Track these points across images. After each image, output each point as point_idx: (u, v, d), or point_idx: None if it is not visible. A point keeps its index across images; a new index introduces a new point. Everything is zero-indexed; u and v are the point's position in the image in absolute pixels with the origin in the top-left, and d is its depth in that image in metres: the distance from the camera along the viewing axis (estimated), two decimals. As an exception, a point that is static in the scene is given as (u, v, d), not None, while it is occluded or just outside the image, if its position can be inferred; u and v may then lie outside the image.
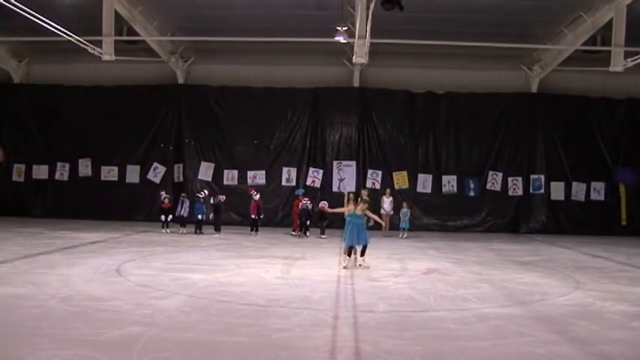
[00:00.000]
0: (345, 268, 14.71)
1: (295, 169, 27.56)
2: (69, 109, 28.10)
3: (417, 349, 7.68)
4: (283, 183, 27.50)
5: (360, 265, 14.77)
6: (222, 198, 23.89)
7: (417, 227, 25.37)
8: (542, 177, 27.19)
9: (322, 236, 22.68)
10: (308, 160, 27.63)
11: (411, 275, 14.05)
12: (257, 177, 27.39)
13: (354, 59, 21.55)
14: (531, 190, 27.17)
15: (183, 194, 24.10)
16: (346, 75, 27.49)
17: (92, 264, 14.16)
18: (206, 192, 23.82)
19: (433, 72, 27.32)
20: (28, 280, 11.69)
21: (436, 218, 27.14)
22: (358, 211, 15.05)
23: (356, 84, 27.55)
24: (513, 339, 8.32)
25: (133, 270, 13.53)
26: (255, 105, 27.49)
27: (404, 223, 23.87)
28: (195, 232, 22.62)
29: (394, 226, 24.30)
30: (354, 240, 14.82)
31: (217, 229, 23.08)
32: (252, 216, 23.34)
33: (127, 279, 12.30)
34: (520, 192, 27.14)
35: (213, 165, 27.80)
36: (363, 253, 14.96)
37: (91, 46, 21.94)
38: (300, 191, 24.45)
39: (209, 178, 27.67)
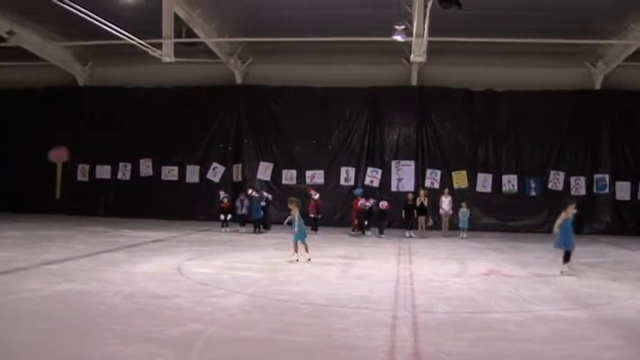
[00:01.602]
0: (291, 261, 15.19)
1: (354, 168, 27.54)
2: (130, 111, 28.73)
3: (477, 351, 7.57)
4: (342, 182, 27.51)
5: (562, 273, 14.14)
6: (269, 197, 24.15)
7: (476, 227, 25.01)
8: (607, 176, 26.46)
9: (381, 236, 22.62)
10: (366, 160, 27.58)
11: (470, 276, 13.88)
12: (315, 176, 27.46)
13: (412, 58, 21.41)
14: (595, 190, 26.47)
15: (242, 194, 24.31)
16: (404, 74, 27.33)
17: (154, 262, 14.43)
18: (255, 192, 24.04)
19: (492, 70, 26.78)
20: (92, 277, 11.97)
21: (496, 218, 26.68)
22: (569, 215, 14.86)
23: (414, 83, 27.34)
24: (577, 343, 8.12)
25: (194, 268, 13.71)
26: (314, 105, 27.56)
27: (463, 223, 23.60)
28: (255, 232, 22.82)
29: (453, 226, 24.05)
30: (572, 244, 14.53)
31: (266, 227, 23.34)
32: (311, 215, 23.44)
33: (188, 277, 12.47)
34: (583, 192, 26.44)
35: (271, 165, 28.00)
36: (568, 259, 14.40)
37: (152, 48, 22.39)
38: (359, 191, 24.40)
39: (268, 178, 27.88)
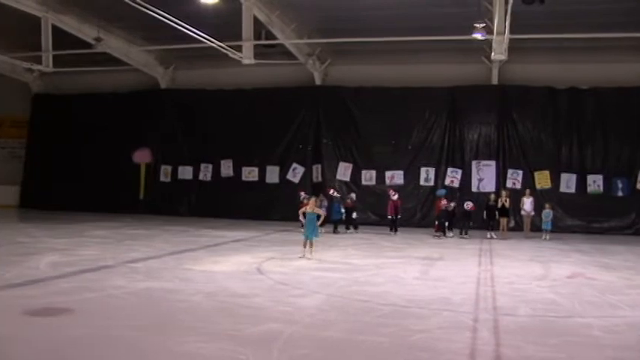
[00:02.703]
0: (301, 257, 15.43)
1: (433, 168, 27.25)
2: (212, 112, 29.30)
3: (561, 357, 7.38)
4: (422, 183, 27.28)
5: None
6: (353, 196, 24.17)
7: (559, 229, 24.40)
8: (702, 175, 25.33)
9: (465, 237, 22.32)
10: (446, 160, 27.24)
11: (554, 279, 13.51)
12: (395, 177, 27.32)
13: (493, 56, 21.08)
14: (689, 190, 25.35)
15: (320, 194, 24.40)
16: (484, 73, 26.88)
17: (234, 261, 14.65)
18: (336, 192, 24.17)
19: (576, 67, 25.89)
20: (175, 276, 12.26)
21: (580, 220, 25.84)
22: None
23: (494, 81, 26.85)
24: (670, 350, 7.81)
25: (274, 268, 13.85)
26: (392, 105, 27.41)
27: (546, 224, 23.04)
28: (334, 232, 22.88)
29: (536, 228, 23.51)
30: None
31: (355, 227, 23.47)
32: (389, 216, 23.38)
33: (268, 277, 12.60)
34: (676, 192, 25.39)
35: (351, 165, 28.03)
36: None
37: (232, 50, 22.79)
38: (442, 192, 24.08)
39: (347, 178, 27.93)
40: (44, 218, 25.48)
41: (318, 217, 16.37)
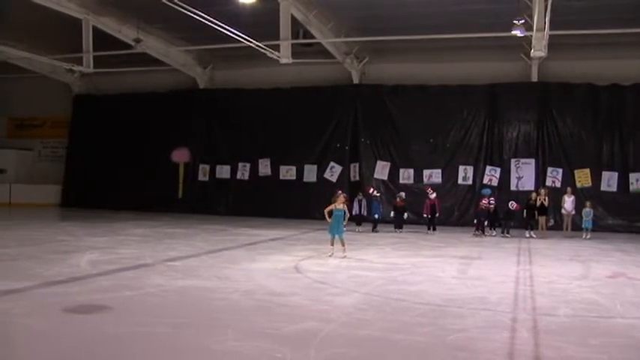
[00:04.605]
0: (330, 256, 15.35)
1: (472, 167, 27.01)
2: (249, 112, 29.44)
3: (603, 358, 7.23)
4: (460, 182, 27.06)
5: None
6: (403, 195, 24.02)
7: (600, 228, 23.99)
8: None
9: (507, 235, 22.07)
10: (485, 158, 26.97)
11: (595, 278, 13.27)
12: (433, 176, 27.14)
13: (532, 53, 20.79)
14: None
15: (359, 194, 24.35)
16: (524, 70, 26.55)
17: (272, 260, 14.68)
18: (376, 192, 24.16)
19: (618, 63, 25.42)
20: (213, 274, 12.32)
21: (622, 219, 25.35)
22: None
23: (534, 79, 26.51)
24: None
25: (311, 267, 13.85)
26: (430, 103, 27.23)
27: (587, 223, 22.69)
28: (373, 231, 22.83)
29: (576, 227, 23.16)
30: None
31: (400, 227, 23.49)
32: (425, 215, 23.24)
33: (305, 275, 12.60)
34: None
35: (389, 164, 27.90)
36: None
37: (270, 50, 22.86)
38: (488, 191, 23.70)
39: (385, 177, 27.82)
40: (84, 217, 25.90)
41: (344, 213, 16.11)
